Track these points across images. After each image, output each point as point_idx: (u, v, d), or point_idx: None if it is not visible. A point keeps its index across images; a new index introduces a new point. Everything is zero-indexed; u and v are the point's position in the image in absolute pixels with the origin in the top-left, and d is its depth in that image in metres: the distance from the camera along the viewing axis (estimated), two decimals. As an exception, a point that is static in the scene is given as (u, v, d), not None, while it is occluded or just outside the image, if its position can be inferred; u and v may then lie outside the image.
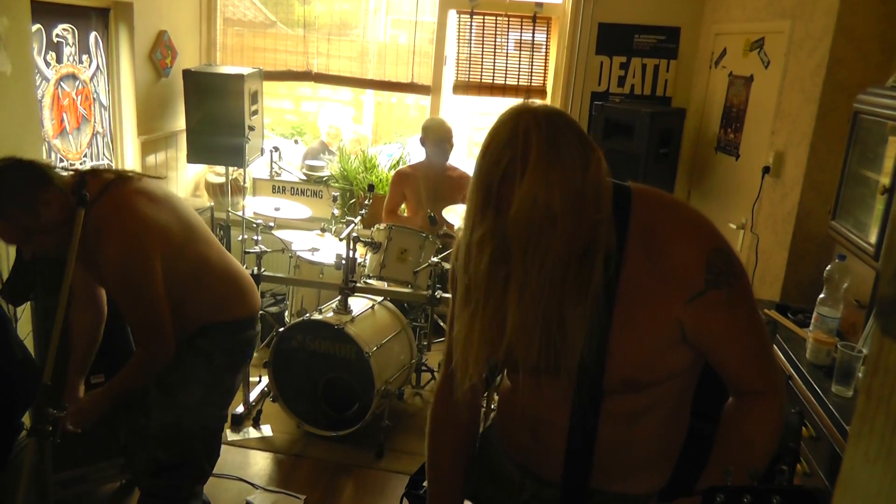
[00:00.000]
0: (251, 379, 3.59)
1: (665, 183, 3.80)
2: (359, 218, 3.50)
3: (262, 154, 4.43)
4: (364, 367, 3.16)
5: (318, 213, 4.50)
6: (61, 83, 3.60)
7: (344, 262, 3.34)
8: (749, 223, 3.22)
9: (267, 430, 3.37)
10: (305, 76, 4.97)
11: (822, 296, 2.23)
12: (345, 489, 3.02)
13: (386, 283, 3.59)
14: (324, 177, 4.98)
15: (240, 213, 4.05)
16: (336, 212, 4.20)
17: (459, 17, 4.62)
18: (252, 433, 3.34)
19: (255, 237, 3.64)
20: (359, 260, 3.55)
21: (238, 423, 3.39)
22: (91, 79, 3.86)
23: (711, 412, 1.26)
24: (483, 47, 4.65)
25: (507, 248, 1.03)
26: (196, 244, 2.08)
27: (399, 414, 3.58)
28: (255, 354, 2.40)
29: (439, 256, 3.46)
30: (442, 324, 4.19)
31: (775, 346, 2.35)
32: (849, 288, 2.25)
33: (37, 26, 3.33)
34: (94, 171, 2.02)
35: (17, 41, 3.00)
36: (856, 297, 2.42)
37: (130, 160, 4.23)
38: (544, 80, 4.68)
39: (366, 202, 3.69)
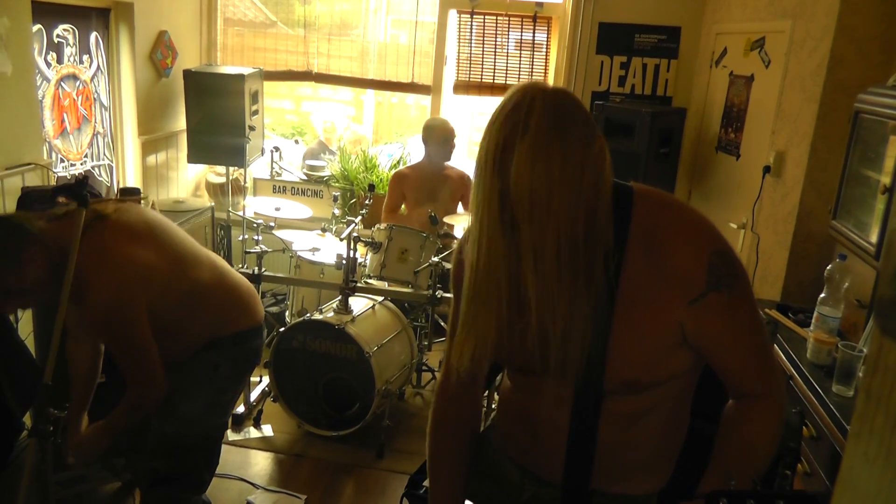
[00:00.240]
0: (252, 379, 3.59)
1: (665, 183, 3.80)
2: (359, 218, 3.50)
3: (262, 154, 4.43)
4: (365, 367, 3.16)
5: (318, 213, 4.50)
6: (62, 83, 3.60)
7: (344, 261, 3.35)
8: (750, 223, 3.22)
9: (268, 429, 3.37)
10: (306, 76, 4.98)
11: (822, 295, 2.23)
12: (345, 489, 3.02)
13: (386, 283, 3.59)
14: (324, 177, 4.98)
15: (240, 213, 4.05)
16: (336, 212, 4.20)
17: (460, 17, 4.62)
18: (253, 433, 3.34)
19: (255, 237, 3.64)
20: (359, 260, 3.55)
21: (239, 422, 3.39)
22: (92, 79, 3.86)
23: (712, 413, 1.26)
24: (483, 47, 4.65)
25: (513, 219, 1.03)
26: (185, 271, 2.01)
27: (400, 414, 3.58)
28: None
29: (440, 256, 3.46)
30: (443, 323, 4.18)
31: (776, 346, 2.35)
32: (849, 288, 2.25)
33: (37, 26, 3.33)
34: (68, 213, 1.90)
35: (17, 41, 3.00)
36: (856, 297, 2.42)
37: (131, 160, 4.23)
38: (545, 79, 4.67)
39: (366, 202, 3.69)
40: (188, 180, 4.89)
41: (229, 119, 4.00)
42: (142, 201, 2.08)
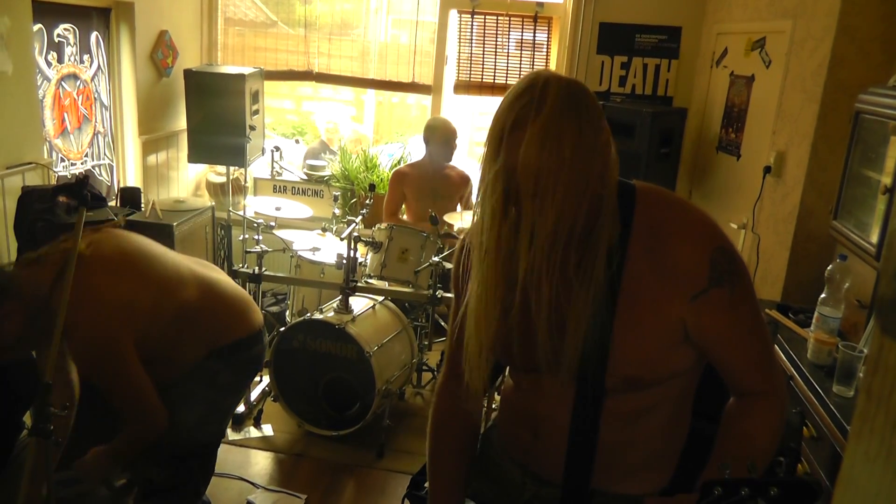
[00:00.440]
0: (252, 378, 3.59)
1: (666, 183, 3.80)
2: (360, 217, 3.50)
3: (263, 154, 4.43)
4: (365, 367, 3.16)
5: (319, 212, 4.50)
6: (62, 83, 3.60)
7: (345, 261, 3.35)
8: (750, 223, 3.22)
9: (268, 429, 3.37)
10: (306, 76, 4.98)
11: (823, 296, 2.23)
12: (346, 489, 3.02)
13: (387, 283, 3.59)
14: (325, 176, 4.98)
15: (241, 213, 4.05)
16: (337, 211, 4.20)
17: (460, 17, 4.62)
18: (253, 433, 3.34)
19: (256, 237, 3.64)
20: (360, 259, 3.55)
21: (239, 422, 3.39)
22: (92, 78, 3.87)
23: (714, 413, 1.26)
24: (484, 47, 4.65)
25: (517, 197, 1.03)
26: (170, 294, 1.94)
27: (400, 414, 3.58)
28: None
29: (440, 256, 3.46)
30: (443, 323, 4.19)
31: (776, 346, 2.35)
32: (850, 288, 2.25)
33: (38, 26, 3.33)
34: (39, 258, 1.82)
35: (18, 41, 3.01)
36: (857, 297, 2.42)
37: (131, 160, 4.24)
38: (545, 79, 4.68)
39: (367, 202, 3.69)
40: (189, 180, 4.89)
41: (230, 119, 4.01)
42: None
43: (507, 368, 1.37)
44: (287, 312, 4.19)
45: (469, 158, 5.38)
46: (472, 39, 4.64)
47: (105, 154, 4.05)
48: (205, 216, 3.87)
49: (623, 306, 1.12)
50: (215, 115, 4.01)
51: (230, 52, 4.94)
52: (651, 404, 1.21)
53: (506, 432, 1.40)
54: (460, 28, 4.63)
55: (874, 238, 2.06)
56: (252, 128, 4.08)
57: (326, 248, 3.71)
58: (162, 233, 3.44)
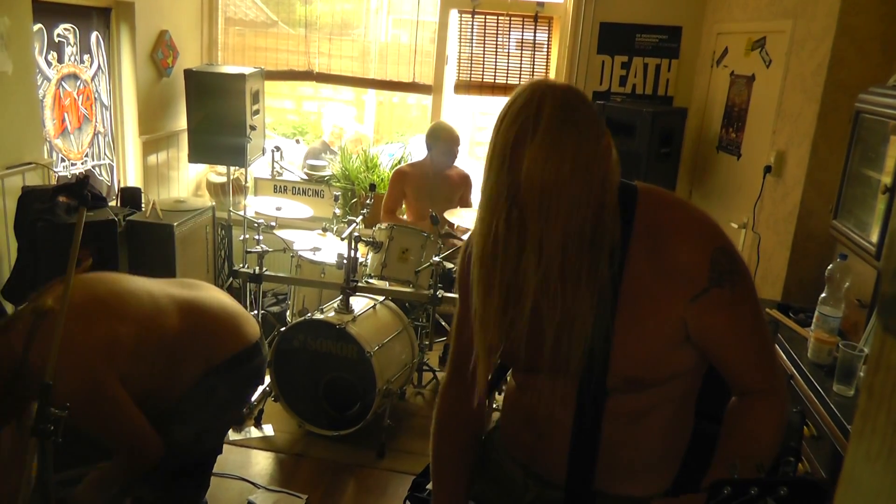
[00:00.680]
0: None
1: (666, 182, 3.80)
2: (360, 217, 3.50)
3: (263, 154, 4.44)
4: (366, 367, 3.16)
5: (319, 212, 4.50)
6: (63, 83, 3.60)
7: (345, 261, 3.35)
8: (750, 222, 3.22)
9: (268, 429, 3.37)
10: (307, 76, 4.98)
11: (823, 295, 2.23)
12: (346, 489, 3.02)
13: (387, 283, 3.59)
14: (325, 176, 4.98)
15: (241, 213, 4.05)
16: (337, 211, 4.20)
17: (461, 17, 4.62)
18: (254, 432, 3.34)
19: (256, 237, 3.64)
20: (360, 259, 3.55)
21: (239, 422, 3.39)
22: (92, 78, 3.87)
23: (716, 414, 1.26)
24: (484, 47, 4.65)
25: (521, 214, 1.04)
26: (151, 328, 1.90)
27: (400, 414, 3.58)
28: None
29: (441, 256, 3.46)
30: (444, 323, 4.19)
31: (777, 346, 2.35)
32: (850, 287, 2.25)
33: (38, 26, 3.33)
34: (6, 326, 1.79)
35: (18, 41, 3.01)
36: (857, 297, 2.42)
37: (132, 160, 4.24)
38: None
39: (367, 202, 3.69)
40: (189, 180, 4.89)
41: (230, 119, 4.01)
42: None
43: (511, 369, 1.37)
44: (288, 312, 4.19)
45: (469, 158, 5.38)
46: (472, 39, 4.64)
47: (105, 154, 4.05)
48: (205, 216, 3.87)
49: (624, 306, 1.13)
50: (216, 114, 4.01)
51: (230, 52, 4.94)
52: (653, 404, 1.21)
53: (508, 433, 1.40)
54: (461, 28, 4.63)
55: (874, 237, 2.06)
56: (252, 128, 4.08)
57: (327, 248, 3.71)
58: (162, 233, 3.44)
